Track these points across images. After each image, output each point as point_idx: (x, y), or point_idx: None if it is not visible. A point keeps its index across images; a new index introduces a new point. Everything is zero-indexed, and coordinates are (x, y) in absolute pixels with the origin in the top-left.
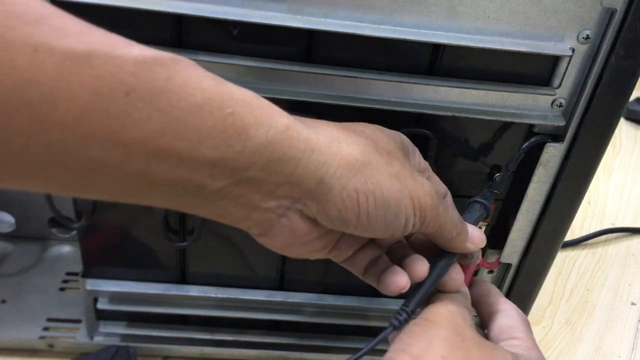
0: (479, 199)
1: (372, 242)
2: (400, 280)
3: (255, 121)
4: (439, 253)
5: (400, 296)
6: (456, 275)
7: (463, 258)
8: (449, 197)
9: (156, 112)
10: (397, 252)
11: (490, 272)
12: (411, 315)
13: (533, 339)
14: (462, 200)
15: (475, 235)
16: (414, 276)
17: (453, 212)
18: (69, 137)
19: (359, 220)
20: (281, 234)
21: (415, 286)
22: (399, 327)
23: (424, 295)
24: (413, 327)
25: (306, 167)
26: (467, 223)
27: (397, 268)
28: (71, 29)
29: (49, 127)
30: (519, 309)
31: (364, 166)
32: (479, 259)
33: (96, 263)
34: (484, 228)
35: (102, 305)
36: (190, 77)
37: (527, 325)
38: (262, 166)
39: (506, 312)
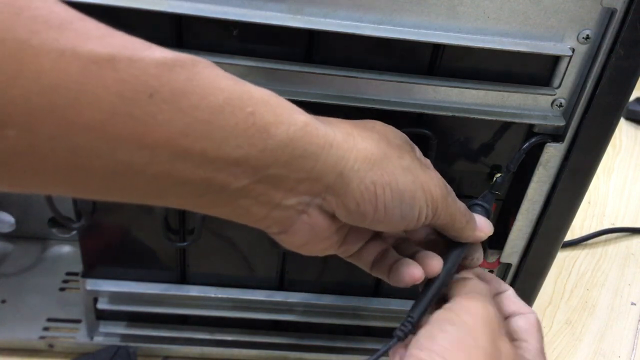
0: (479, 202)
1: (377, 236)
2: (415, 272)
3: (275, 119)
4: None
5: (404, 295)
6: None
7: (464, 259)
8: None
9: (178, 113)
10: (404, 250)
11: (490, 272)
12: (415, 325)
13: (542, 345)
14: (462, 201)
15: (483, 224)
16: (428, 271)
17: (460, 203)
18: (94, 140)
19: (376, 212)
20: (300, 231)
21: (419, 294)
22: (403, 338)
23: (428, 304)
24: (446, 324)
25: (326, 161)
26: (472, 213)
27: (411, 260)
28: (94, 33)
29: (75, 131)
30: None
31: (380, 159)
32: (480, 260)
33: (96, 263)
34: None
35: (102, 305)
36: (210, 77)
37: (541, 330)
38: (284, 163)
39: (525, 315)
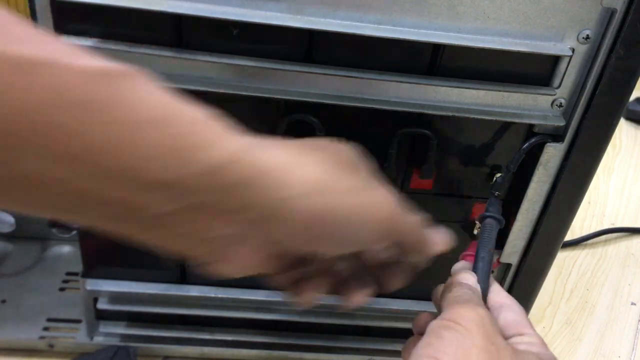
0: (490, 214)
1: (303, 260)
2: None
3: (208, 143)
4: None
5: (404, 296)
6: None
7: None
8: None
9: (100, 126)
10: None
11: (491, 272)
12: None
13: (539, 334)
14: (462, 201)
15: (439, 238)
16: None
17: (413, 219)
18: (9, 147)
19: (321, 236)
20: (236, 259)
21: None
22: None
23: None
24: (441, 330)
25: (267, 189)
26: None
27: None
28: (26, 37)
29: None
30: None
31: (325, 182)
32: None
33: (96, 263)
34: None
35: (102, 305)
36: (139, 92)
37: (529, 319)
38: (217, 190)
39: (510, 306)
